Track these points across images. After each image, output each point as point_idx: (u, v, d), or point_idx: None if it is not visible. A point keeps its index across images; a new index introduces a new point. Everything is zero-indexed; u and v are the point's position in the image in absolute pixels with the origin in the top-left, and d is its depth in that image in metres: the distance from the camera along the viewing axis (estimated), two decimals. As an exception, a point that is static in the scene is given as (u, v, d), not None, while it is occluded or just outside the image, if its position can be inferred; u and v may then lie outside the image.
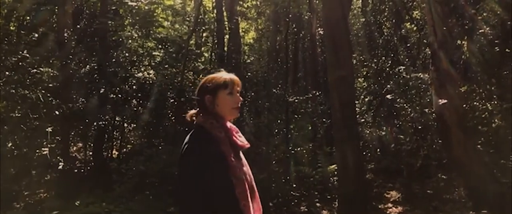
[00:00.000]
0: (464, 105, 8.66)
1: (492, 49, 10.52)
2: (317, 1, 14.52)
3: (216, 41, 13.94)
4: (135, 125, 11.64)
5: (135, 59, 12.09)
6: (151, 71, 12.03)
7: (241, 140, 2.18)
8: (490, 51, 10.59)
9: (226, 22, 14.78)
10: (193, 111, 2.23)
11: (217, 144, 2.04)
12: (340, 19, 8.70)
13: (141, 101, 11.40)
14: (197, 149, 2.01)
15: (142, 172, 8.89)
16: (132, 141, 12.16)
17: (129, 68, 11.62)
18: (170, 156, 9.12)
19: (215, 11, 14.72)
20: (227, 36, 14.64)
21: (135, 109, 11.38)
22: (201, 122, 2.12)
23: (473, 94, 9.46)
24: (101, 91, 10.47)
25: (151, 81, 11.47)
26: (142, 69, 12.10)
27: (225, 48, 14.05)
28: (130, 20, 12.38)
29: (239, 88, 2.21)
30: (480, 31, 10.91)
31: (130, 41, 12.16)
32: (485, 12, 11.41)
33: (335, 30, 8.61)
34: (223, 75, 2.19)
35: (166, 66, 11.72)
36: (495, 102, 9.08)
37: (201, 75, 12.32)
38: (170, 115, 11.35)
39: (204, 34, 14.82)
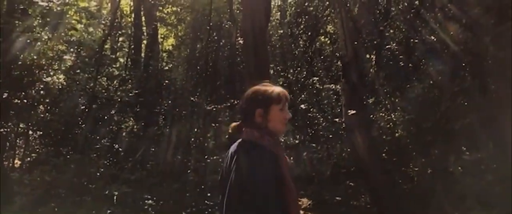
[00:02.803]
0: (371, 116, 9.17)
1: (397, 64, 11.31)
2: (238, 11, 14.67)
3: (132, 46, 13.56)
4: (41, 133, 10.93)
5: (43, 62, 11.36)
6: (61, 76, 11.40)
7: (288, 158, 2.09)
8: (395, 66, 11.37)
9: (144, 28, 14.43)
10: (235, 123, 2.12)
11: (278, 163, 1.95)
12: (259, 30, 8.87)
13: (49, 108, 10.75)
14: (262, 169, 1.89)
15: (47, 182, 8.36)
16: (38, 150, 11.39)
17: (36, 72, 10.91)
18: (79, 165, 8.68)
19: (133, 15, 14.32)
20: (144, 42, 14.30)
21: (42, 115, 10.69)
22: (256, 138, 2.00)
23: (379, 106, 10.06)
24: (3, 96, 9.72)
25: (60, 87, 10.86)
26: (51, 73, 11.41)
27: (142, 54, 13.71)
28: (40, 21, 11.65)
29: (288, 103, 2.11)
30: (387, 46, 11.69)
31: (39, 43, 11.43)
32: (392, 29, 12.25)
33: (254, 41, 8.75)
34: (274, 89, 2.09)
35: (78, 71, 11.18)
36: (399, 113, 9.73)
37: (115, 81, 11.92)
38: (80, 122, 10.80)
39: (120, 39, 14.34)
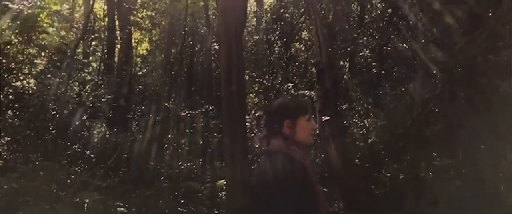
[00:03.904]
0: (344, 122, 9.26)
1: (370, 71, 11.48)
2: (214, 17, 14.65)
3: (106, 51, 13.35)
4: (9, 138, 10.62)
5: (13, 66, 11.08)
6: (32, 80, 11.14)
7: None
8: (368, 72, 11.55)
9: (118, 32, 14.24)
10: (262, 135, 2.13)
11: (307, 172, 1.99)
12: (235, 36, 8.82)
13: (18, 113, 10.46)
14: (291, 179, 1.93)
15: (15, 190, 8.09)
16: (5, 156, 11.06)
17: (5, 76, 10.62)
18: (49, 172, 8.45)
19: (106, 19, 14.12)
20: (118, 46, 14.11)
21: (10, 120, 10.39)
22: (284, 149, 2.04)
23: (352, 112, 10.17)
24: (-30, 101, 9.43)
25: (30, 91, 10.59)
26: (21, 77, 11.13)
27: (116, 59, 13.51)
28: (10, 24, 11.36)
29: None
30: (361, 54, 11.86)
31: (8, 47, 11.14)
32: (365, 36, 12.45)
33: (230, 46, 8.69)
34: (301, 100, 2.17)
35: (49, 75, 10.92)
36: (371, 120, 9.86)
37: (87, 86, 11.71)
38: (50, 128, 10.55)
39: (93, 43, 14.12)
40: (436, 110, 8.76)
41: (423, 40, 9.45)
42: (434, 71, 9.17)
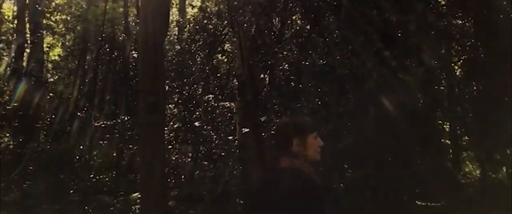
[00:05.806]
0: (263, 134, 9.37)
1: (288, 84, 11.77)
2: (134, 24, 14.25)
3: (13, 54, 12.46)
4: None
5: None
6: None
7: None
8: (286, 86, 11.82)
9: (28, 35, 13.36)
10: (271, 153, 2.19)
11: (317, 188, 2.06)
12: (156, 45, 8.60)
13: None
14: (306, 194, 2.00)
15: None
16: None
17: None
18: None
19: (16, 21, 13.21)
20: (28, 50, 13.22)
21: None
22: (297, 165, 2.11)
23: (271, 124, 10.32)
24: None
25: None
26: None
27: (24, 64, 12.65)
28: None
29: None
30: (280, 67, 12.13)
31: None
32: (285, 51, 12.77)
33: (150, 55, 8.46)
34: (307, 119, 2.28)
35: None
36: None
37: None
38: None
39: (0, 46, 13.13)
40: (349, 124, 9.16)
41: (338, 57, 9.88)
42: (348, 87, 9.61)
